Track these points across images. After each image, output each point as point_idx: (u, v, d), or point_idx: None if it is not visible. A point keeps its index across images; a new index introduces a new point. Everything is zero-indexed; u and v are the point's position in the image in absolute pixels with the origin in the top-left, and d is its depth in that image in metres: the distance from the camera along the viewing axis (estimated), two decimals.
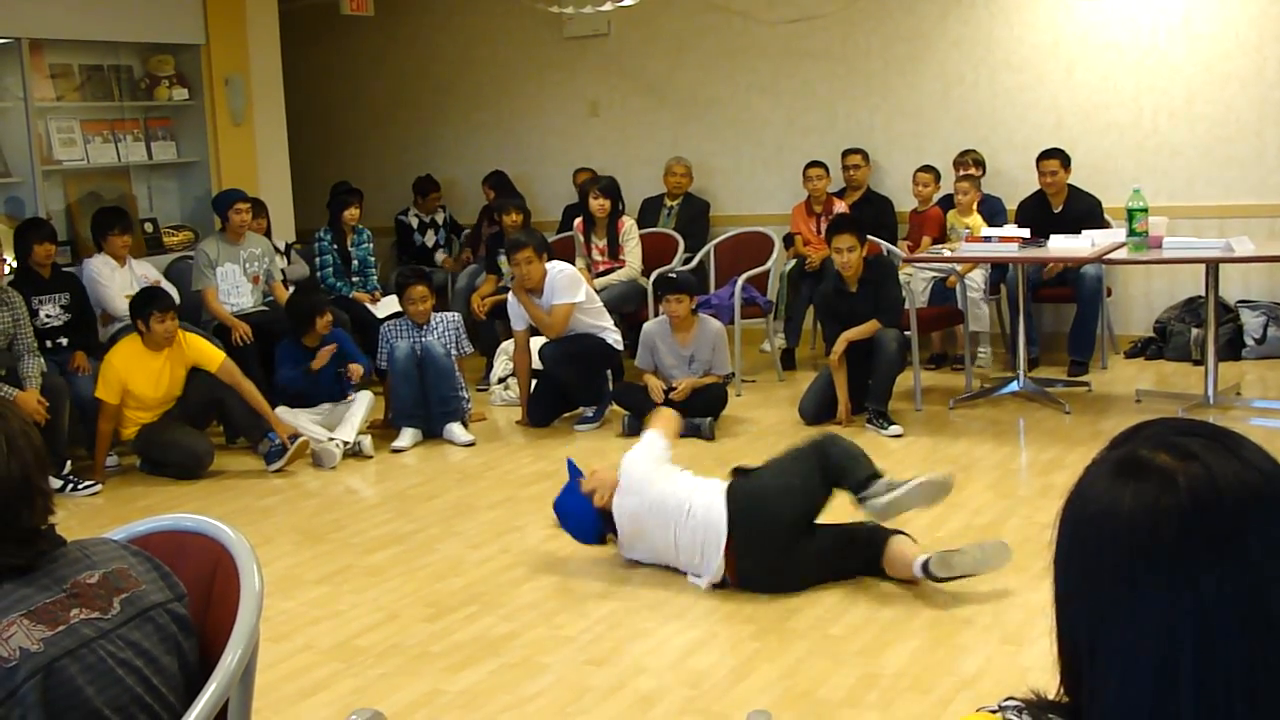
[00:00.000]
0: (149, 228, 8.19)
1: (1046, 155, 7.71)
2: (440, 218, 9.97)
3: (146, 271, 7.37)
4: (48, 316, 6.76)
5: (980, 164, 8.28)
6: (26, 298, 6.52)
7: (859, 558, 4.44)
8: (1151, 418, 1.19)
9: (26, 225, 6.96)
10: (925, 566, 4.24)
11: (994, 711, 1.18)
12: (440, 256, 9.81)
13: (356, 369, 6.85)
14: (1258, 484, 1.06)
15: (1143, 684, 1.04)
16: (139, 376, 6.37)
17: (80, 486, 6.19)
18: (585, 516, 4.86)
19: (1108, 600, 1.07)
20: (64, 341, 6.77)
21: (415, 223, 9.90)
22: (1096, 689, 1.08)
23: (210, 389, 6.48)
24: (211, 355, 6.50)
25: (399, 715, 3.60)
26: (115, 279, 7.12)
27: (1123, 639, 1.06)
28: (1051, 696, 1.16)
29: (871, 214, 8.27)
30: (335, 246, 8.22)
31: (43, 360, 6.34)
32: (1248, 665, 1.02)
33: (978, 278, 7.88)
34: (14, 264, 6.88)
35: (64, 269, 7.06)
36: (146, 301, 6.43)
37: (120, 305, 6.99)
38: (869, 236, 7.02)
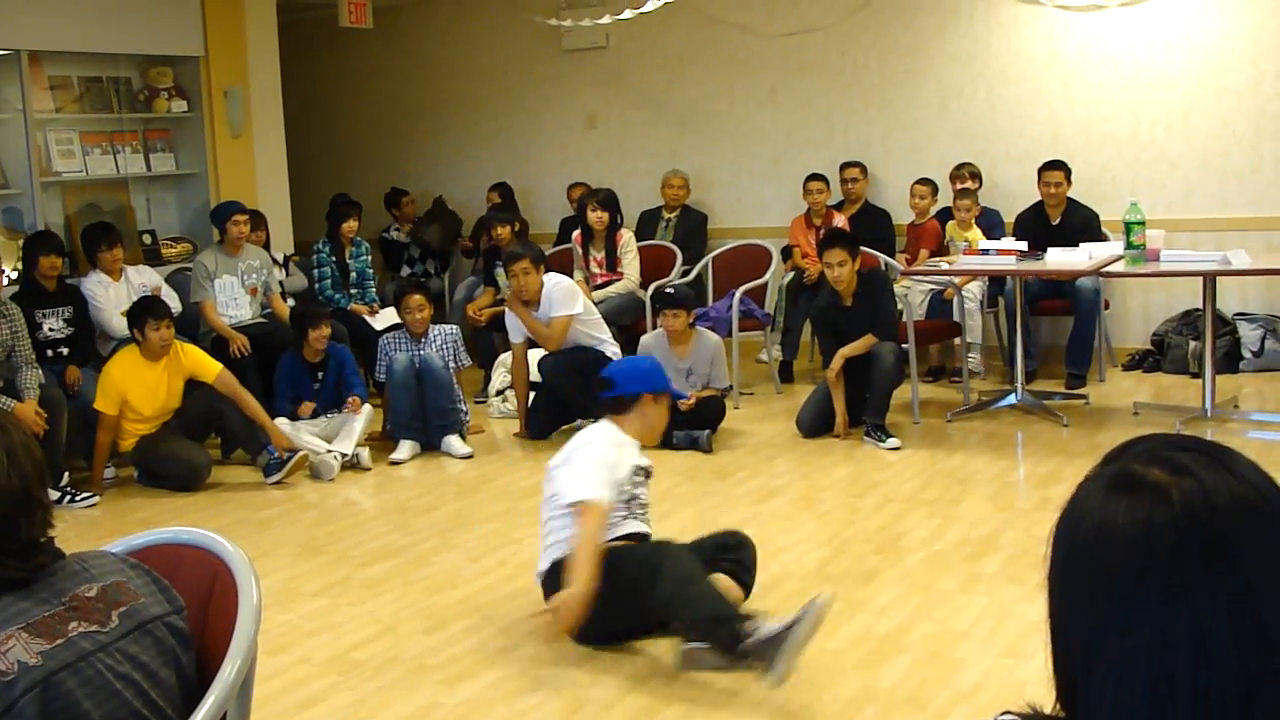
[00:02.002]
0: (147, 239, 8.20)
1: (1051, 166, 7.73)
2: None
3: (146, 280, 7.35)
4: (50, 330, 6.77)
5: (976, 176, 8.29)
6: (30, 310, 6.54)
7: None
8: (1146, 433, 1.19)
9: (34, 238, 6.97)
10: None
11: None
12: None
13: (355, 401, 6.84)
14: (1251, 498, 1.07)
15: (1139, 698, 1.05)
16: (137, 387, 6.37)
17: (78, 498, 6.18)
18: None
19: (1102, 615, 1.08)
20: (64, 352, 6.79)
21: (397, 235, 9.92)
22: (1092, 703, 1.08)
23: (209, 401, 6.48)
24: (209, 366, 6.50)
25: None
26: (110, 296, 7.11)
27: (1118, 653, 1.06)
28: (1048, 711, 1.17)
29: (869, 227, 8.28)
30: (334, 259, 8.22)
31: (40, 372, 6.33)
32: (1243, 679, 1.02)
33: (975, 290, 7.89)
34: (14, 275, 6.89)
35: (67, 281, 7.07)
36: (142, 311, 6.44)
37: (116, 325, 7.00)
38: (866, 249, 7.02)
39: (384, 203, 9.98)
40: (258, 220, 8.06)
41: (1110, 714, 1.06)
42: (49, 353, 6.68)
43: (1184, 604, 1.04)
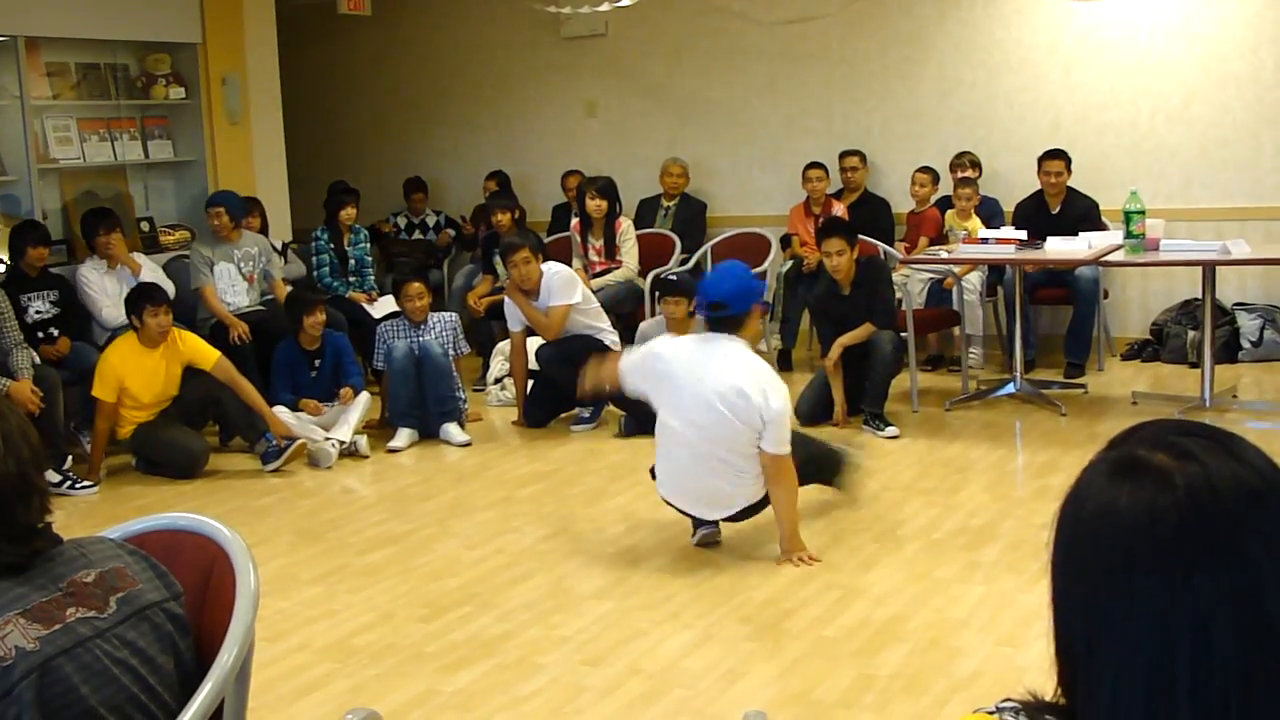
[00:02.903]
0: (145, 227, 8.17)
1: (1051, 156, 7.70)
2: (431, 220, 9.97)
3: (141, 266, 7.33)
4: (37, 312, 6.77)
5: (976, 165, 8.28)
6: (15, 295, 6.53)
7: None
8: (1149, 419, 1.19)
9: (22, 227, 6.95)
10: None
11: (991, 713, 1.18)
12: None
13: (347, 392, 6.84)
14: (1255, 484, 1.06)
15: (1139, 682, 1.04)
16: (135, 374, 6.36)
17: (78, 485, 6.16)
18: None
19: (1104, 599, 1.07)
20: (55, 332, 6.81)
21: (404, 223, 9.92)
22: (1092, 688, 1.08)
23: (207, 388, 6.46)
24: (207, 353, 6.49)
25: (394, 715, 3.60)
26: (106, 284, 7.10)
27: (1118, 638, 1.06)
28: (1048, 698, 1.16)
29: (869, 215, 8.27)
30: (332, 246, 8.20)
31: (33, 352, 6.33)
32: (1244, 664, 1.02)
33: (975, 279, 7.89)
34: (7, 261, 6.89)
35: (52, 270, 7.05)
36: (140, 297, 6.43)
37: (109, 315, 7.00)
38: (864, 238, 7.01)
39: (403, 188, 9.99)
40: (253, 207, 8.05)
41: (1110, 698, 1.06)
42: (39, 334, 6.69)
43: (1186, 588, 1.04)
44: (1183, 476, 1.06)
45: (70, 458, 6.31)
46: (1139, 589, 1.05)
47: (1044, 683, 1.18)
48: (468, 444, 6.77)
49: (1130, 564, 1.06)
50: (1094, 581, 1.09)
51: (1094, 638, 1.08)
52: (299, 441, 6.44)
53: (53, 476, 5.89)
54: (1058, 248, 6.69)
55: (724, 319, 4.68)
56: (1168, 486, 1.06)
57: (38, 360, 6.33)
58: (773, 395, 4.56)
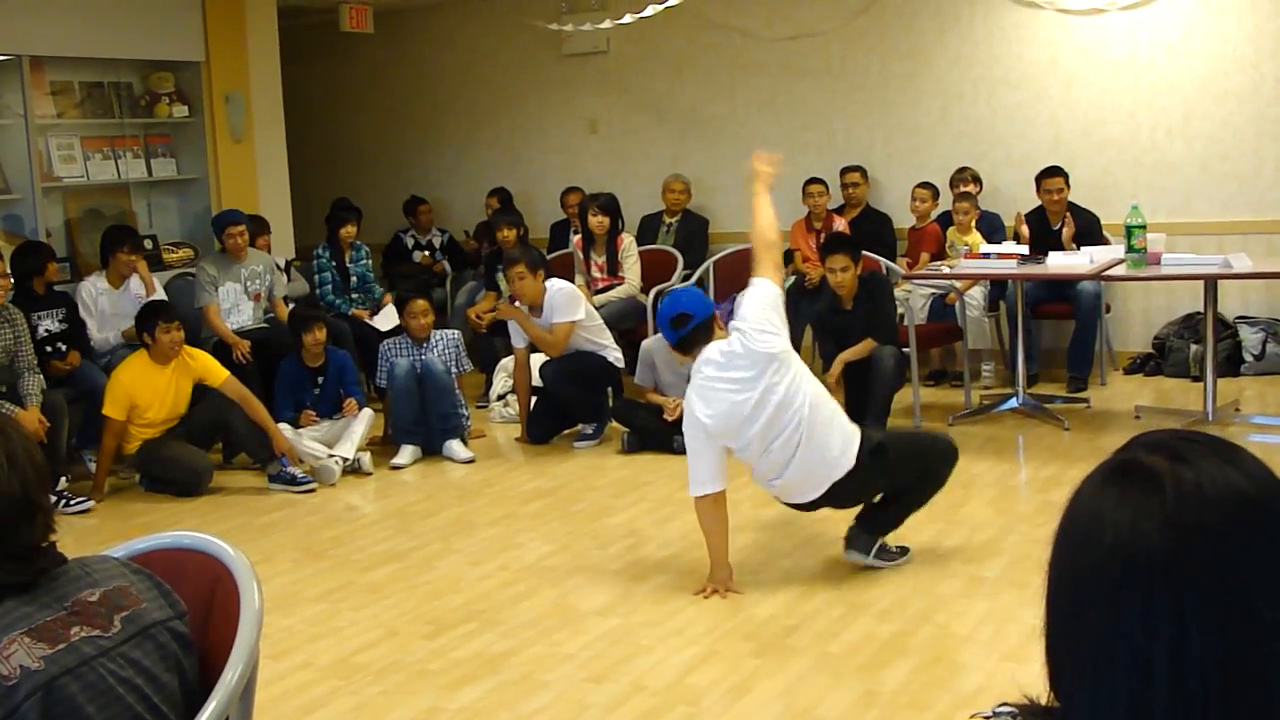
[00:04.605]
0: (149, 244, 8.19)
1: (1050, 174, 7.70)
2: (438, 240, 9.98)
3: (143, 290, 7.33)
4: (46, 331, 6.77)
5: (977, 180, 8.29)
6: (26, 315, 6.53)
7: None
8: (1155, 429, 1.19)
9: (25, 249, 6.95)
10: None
11: (988, 717, 1.19)
12: (419, 255, 9.85)
13: (352, 404, 6.84)
14: (1247, 491, 1.07)
15: (1119, 681, 1.05)
16: (146, 391, 6.36)
17: (73, 503, 6.15)
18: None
19: (1088, 597, 1.08)
20: (63, 347, 6.81)
21: (410, 243, 9.93)
22: (1073, 686, 1.09)
23: (216, 410, 6.44)
24: (217, 371, 6.49)
25: None
26: (103, 303, 7.09)
27: (1101, 635, 1.06)
28: (1044, 703, 1.17)
29: (870, 231, 8.28)
30: (334, 263, 8.22)
31: (43, 378, 6.34)
32: (1225, 667, 1.02)
33: (977, 295, 7.89)
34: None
35: (57, 289, 7.05)
36: (152, 313, 6.44)
37: (100, 338, 7.00)
38: (866, 253, 7.02)
39: (404, 211, 9.99)
40: (261, 226, 8.06)
41: (1090, 696, 1.07)
42: (48, 348, 6.69)
43: (1167, 590, 1.04)
44: (1173, 479, 1.07)
45: (65, 478, 6.30)
46: (1122, 588, 1.06)
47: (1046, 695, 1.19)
48: (471, 461, 6.78)
49: (1114, 564, 1.07)
50: (1079, 580, 1.10)
51: (1078, 635, 1.09)
52: (311, 486, 6.40)
53: None
54: (1060, 262, 6.70)
55: (692, 330, 4.70)
56: (1157, 489, 1.07)
57: (46, 386, 6.33)
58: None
